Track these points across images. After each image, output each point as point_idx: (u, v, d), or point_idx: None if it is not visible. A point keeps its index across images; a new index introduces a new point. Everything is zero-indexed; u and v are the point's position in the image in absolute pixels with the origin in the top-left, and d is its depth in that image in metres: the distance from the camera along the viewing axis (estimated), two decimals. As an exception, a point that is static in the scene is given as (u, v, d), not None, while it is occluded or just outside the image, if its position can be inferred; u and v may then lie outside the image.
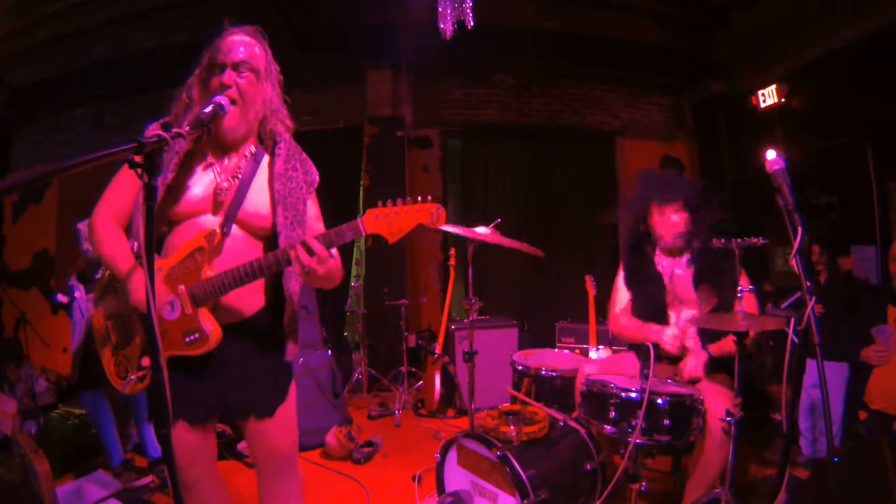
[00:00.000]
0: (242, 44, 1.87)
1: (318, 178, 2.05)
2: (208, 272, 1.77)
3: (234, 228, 1.86)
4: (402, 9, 5.65)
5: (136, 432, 3.99)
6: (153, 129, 1.78)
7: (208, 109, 1.65)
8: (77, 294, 3.73)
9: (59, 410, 4.35)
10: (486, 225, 3.14)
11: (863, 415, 3.17)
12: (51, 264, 7.03)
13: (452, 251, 5.37)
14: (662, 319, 2.94)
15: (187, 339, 1.76)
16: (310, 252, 1.68)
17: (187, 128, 1.45)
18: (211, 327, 1.76)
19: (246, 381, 1.88)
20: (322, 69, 6.32)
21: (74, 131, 7.24)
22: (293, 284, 1.92)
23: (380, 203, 1.70)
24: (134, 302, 1.78)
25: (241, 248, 1.85)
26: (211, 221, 1.84)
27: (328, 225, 1.88)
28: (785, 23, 5.86)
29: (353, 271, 6.42)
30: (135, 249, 1.87)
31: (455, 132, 6.95)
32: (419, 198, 1.71)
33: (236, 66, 1.83)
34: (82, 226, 3.73)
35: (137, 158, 1.18)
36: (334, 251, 1.89)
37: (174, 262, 1.80)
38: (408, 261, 6.42)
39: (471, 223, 3.15)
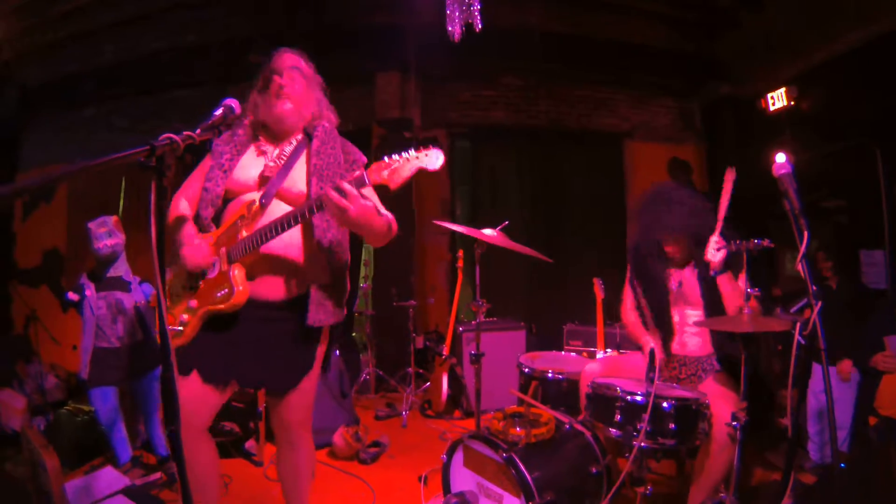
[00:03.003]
0: (293, 56, 2.23)
1: (364, 158, 2.31)
2: (244, 234, 2.00)
3: (274, 201, 2.08)
4: (411, 11, 5.67)
5: (145, 429, 4.01)
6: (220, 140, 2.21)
7: (219, 112, 1.69)
8: (87, 292, 3.76)
9: (69, 407, 4.39)
10: (494, 227, 3.15)
11: (872, 420, 3.16)
12: (61, 262, 7.07)
13: (461, 252, 5.37)
14: (666, 321, 2.95)
15: (218, 294, 2.00)
16: (342, 193, 1.80)
17: (198, 130, 1.51)
18: (240, 285, 1.97)
19: (266, 358, 2.09)
20: (331, 71, 6.32)
21: (83, 131, 7.27)
22: (329, 235, 2.12)
23: (385, 157, 1.82)
24: (189, 267, 2.06)
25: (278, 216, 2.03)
26: (255, 196, 2.09)
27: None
28: (793, 25, 5.84)
29: (362, 272, 6.43)
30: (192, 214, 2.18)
31: (463, 134, 6.96)
32: (420, 146, 1.83)
33: (290, 71, 2.18)
34: (93, 224, 3.77)
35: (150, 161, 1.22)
36: (383, 211, 2.12)
37: (222, 231, 2.08)
38: (416, 262, 6.43)
39: (479, 224, 3.16)
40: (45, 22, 6.61)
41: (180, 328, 2.05)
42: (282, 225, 1.92)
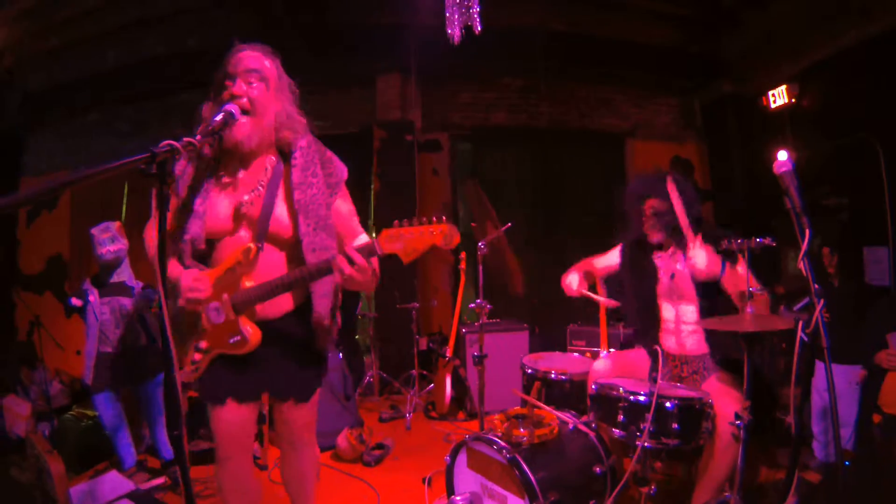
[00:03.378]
0: (250, 55, 1.95)
1: (345, 174, 2.15)
2: (247, 283, 1.93)
3: (266, 242, 1.99)
4: (411, 13, 5.68)
5: (149, 434, 4.03)
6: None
7: (219, 118, 1.69)
8: (91, 298, 3.77)
9: (73, 412, 4.40)
10: (496, 228, 3.15)
11: (877, 418, 3.15)
12: (64, 268, 7.09)
13: (463, 254, 5.38)
14: (654, 314, 2.98)
15: (231, 341, 1.95)
16: (351, 262, 1.76)
17: (199, 136, 1.49)
18: (251, 331, 1.94)
19: (289, 369, 2.09)
20: (332, 74, 6.37)
21: (86, 136, 7.28)
22: (320, 296, 2.04)
23: (395, 222, 1.74)
24: (185, 298, 1.93)
25: (269, 259, 2.00)
26: (244, 238, 1.99)
27: None
28: (794, 23, 5.83)
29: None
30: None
31: (464, 135, 6.97)
32: (433, 218, 1.73)
33: (246, 75, 1.89)
34: (96, 231, 3.78)
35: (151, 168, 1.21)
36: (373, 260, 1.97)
37: (219, 274, 1.96)
38: (418, 264, 6.42)
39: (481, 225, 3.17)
40: (47, 27, 6.61)
41: (195, 368, 2.02)
42: (289, 285, 1.89)
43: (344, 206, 2.15)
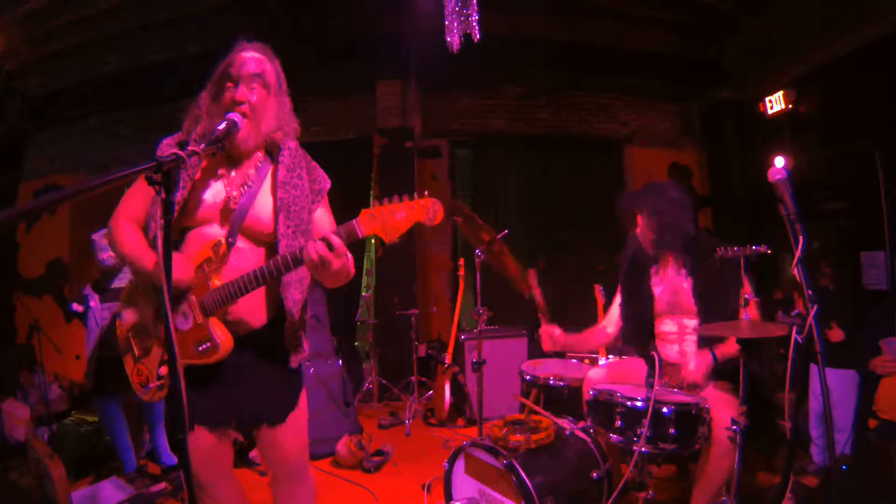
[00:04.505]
0: (254, 59, 1.90)
1: (328, 184, 2.06)
2: (216, 282, 1.80)
3: (239, 238, 1.89)
4: (411, 20, 5.71)
5: (150, 439, 4.03)
6: (168, 145, 1.91)
7: (222, 127, 1.69)
8: (92, 303, 3.78)
9: (73, 417, 4.41)
10: (495, 234, 3.17)
11: (872, 423, 3.17)
12: (64, 273, 7.10)
13: (462, 261, 5.40)
14: (648, 333, 2.98)
15: (199, 348, 1.81)
16: (330, 247, 1.65)
17: (202, 145, 1.50)
18: (222, 336, 1.80)
19: (258, 390, 1.93)
20: (333, 81, 6.41)
21: (87, 141, 7.32)
22: (293, 293, 1.93)
23: (375, 202, 1.65)
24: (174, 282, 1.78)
25: (245, 257, 1.89)
26: (217, 232, 1.88)
27: None
28: (792, 28, 5.87)
29: (364, 281, 6.45)
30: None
31: (464, 142, 7.01)
32: (415, 194, 1.64)
33: (248, 81, 1.86)
34: (97, 236, 3.79)
35: (156, 177, 1.22)
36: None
37: None
38: (418, 270, 6.45)
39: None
40: (49, 32, 6.64)
41: (160, 384, 1.88)
42: (261, 278, 1.76)
43: (326, 216, 2.06)
